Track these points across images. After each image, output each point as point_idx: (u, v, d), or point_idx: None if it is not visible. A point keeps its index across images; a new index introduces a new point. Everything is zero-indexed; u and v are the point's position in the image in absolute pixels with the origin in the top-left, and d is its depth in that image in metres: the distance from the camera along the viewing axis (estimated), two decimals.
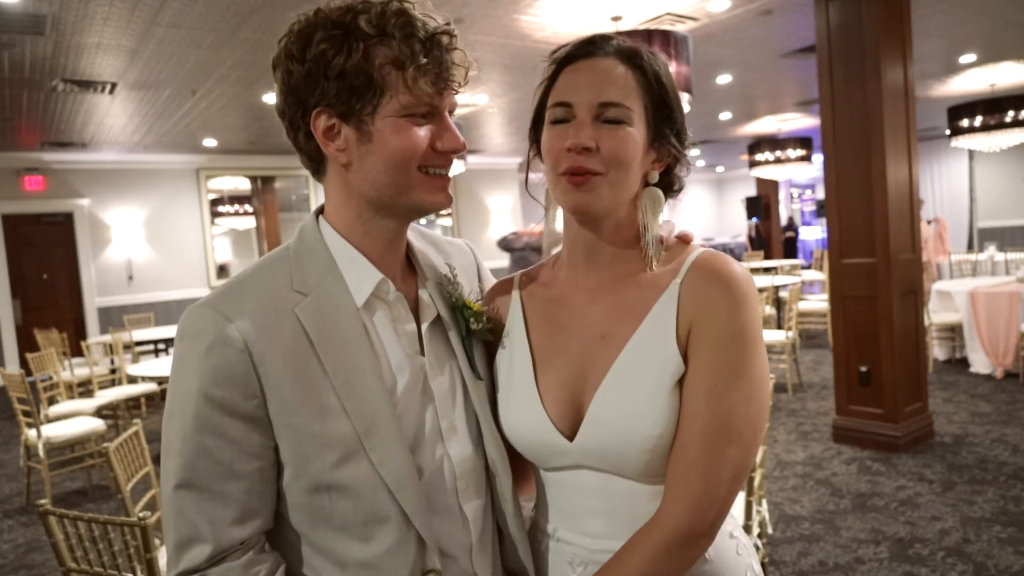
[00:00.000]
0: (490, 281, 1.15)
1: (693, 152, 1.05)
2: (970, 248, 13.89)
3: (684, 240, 1.00)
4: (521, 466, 1.06)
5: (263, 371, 0.84)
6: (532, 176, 1.03)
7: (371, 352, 0.89)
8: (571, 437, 0.92)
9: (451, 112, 0.92)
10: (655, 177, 0.97)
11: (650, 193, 0.96)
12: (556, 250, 1.08)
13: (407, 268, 1.01)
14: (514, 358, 1.00)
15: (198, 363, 0.84)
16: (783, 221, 16.80)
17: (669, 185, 1.00)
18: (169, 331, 7.67)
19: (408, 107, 0.86)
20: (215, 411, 0.83)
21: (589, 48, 0.93)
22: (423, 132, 0.88)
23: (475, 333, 1.00)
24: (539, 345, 0.99)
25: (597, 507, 0.94)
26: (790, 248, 16.26)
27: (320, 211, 0.97)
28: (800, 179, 18.65)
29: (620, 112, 0.90)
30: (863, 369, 4.47)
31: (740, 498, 2.25)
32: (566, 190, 0.91)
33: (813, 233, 18.19)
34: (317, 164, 0.93)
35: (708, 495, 0.85)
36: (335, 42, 0.85)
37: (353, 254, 0.92)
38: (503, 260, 13.29)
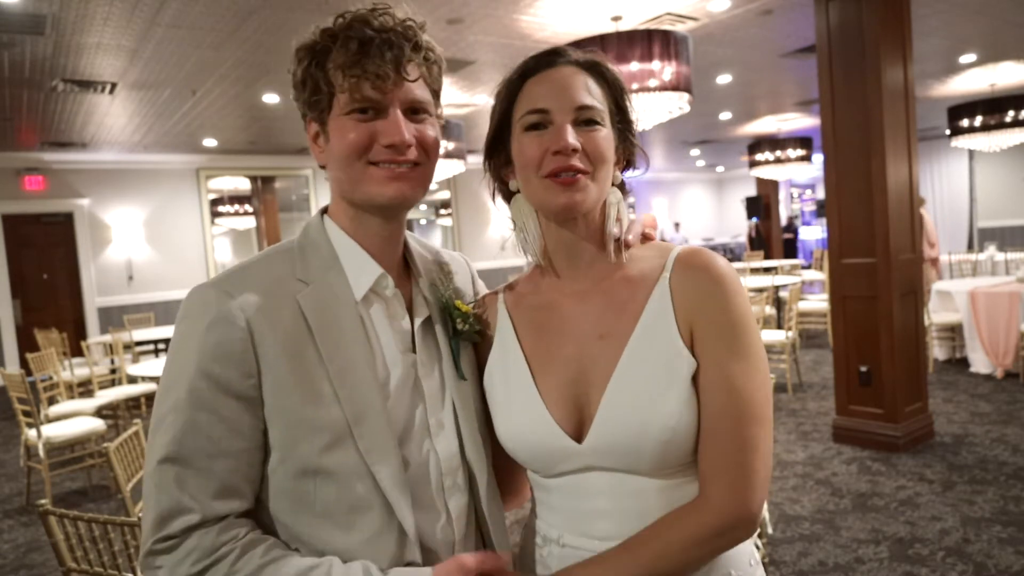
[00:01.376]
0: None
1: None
2: (970, 248, 13.89)
3: (649, 238, 1.05)
4: (508, 476, 1.07)
5: (261, 351, 0.86)
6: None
7: (366, 344, 0.92)
8: (577, 439, 0.93)
9: (411, 108, 0.92)
10: (619, 177, 1.01)
11: (613, 192, 1.00)
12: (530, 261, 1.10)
13: (404, 269, 1.03)
14: (508, 368, 1.00)
15: (199, 339, 0.85)
16: (783, 221, 16.80)
17: (623, 185, 1.04)
18: (169, 331, 7.67)
19: (347, 104, 0.89)
20: (211, 387, 0.84)
21: (551, 59, 0.97)
22: (366, 128, 0.90)
23: (462, 334, 1.02)
24: (532, 352, 1.00)
25: (605, 508, 0.94)
26: (790, 250, 16.26)
27: (325, 210, 1.01)
28: (800, 179, 18.66)
29: (595, 114, 0.95)
30: (863, 369, 4.47)
31: None
32: (555, 191, 0.93)
33: (813, 233, 18.19)
34: (324, 168, 0.99)
35: (749, 477, 0.88)
36: (302, 56, 0.92)
37: (355, 249, 0.96)
38: (504, 261, 13.30)
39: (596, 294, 0.99)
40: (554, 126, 0.94)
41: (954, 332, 6.69)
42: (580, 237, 0.98)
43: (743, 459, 0.88)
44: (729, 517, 0.88)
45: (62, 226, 9.78)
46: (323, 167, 0.98)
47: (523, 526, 1.08)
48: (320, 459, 0.86)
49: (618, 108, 0.99)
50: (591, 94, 0.95)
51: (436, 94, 0.98)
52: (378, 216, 0.96)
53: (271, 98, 7.23)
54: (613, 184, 1.00)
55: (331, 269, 0.94)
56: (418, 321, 0.99)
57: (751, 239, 15.73)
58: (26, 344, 9.02)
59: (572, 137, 0.92)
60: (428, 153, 0.95)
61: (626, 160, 1.02)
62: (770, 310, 7.43)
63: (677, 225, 18.48)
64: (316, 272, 0.93)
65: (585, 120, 0.94)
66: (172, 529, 0.83)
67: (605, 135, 0.95)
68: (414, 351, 0.97)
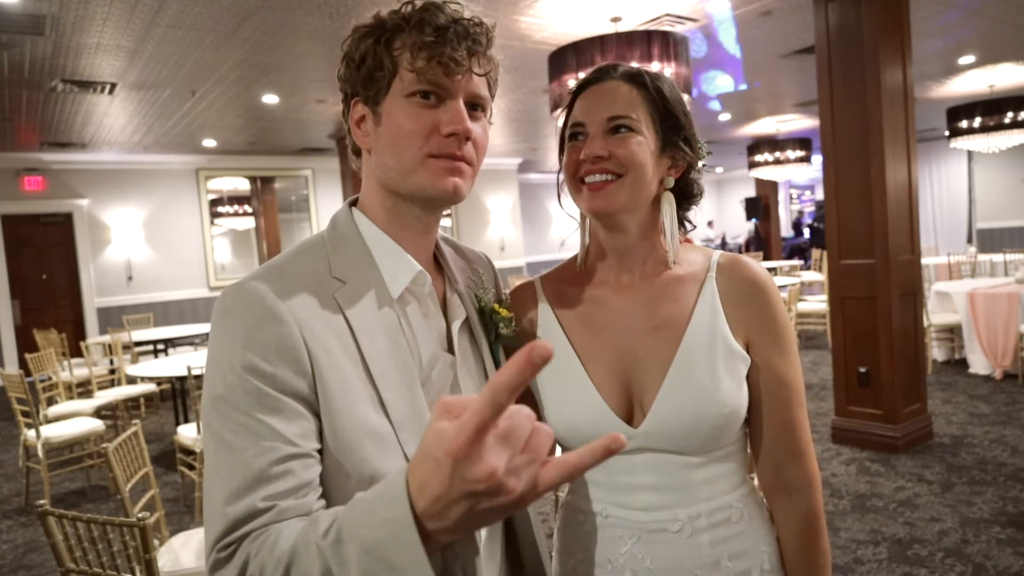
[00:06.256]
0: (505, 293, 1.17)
1: (706, 153, 1.12)
2: (969, 240, 13.89)
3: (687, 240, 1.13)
4: None
5: (313, 349, 0.80)
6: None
7: (405, 344, 0.88)
8: (628, 424, 1.00)
9: (475, 102, 0.90)
10: (671, 182, 1.06)
11: (667, 197, 1.05)
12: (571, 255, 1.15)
13: (435, 267, 1.01)
14: (557, 360, 1.03)
15: (245, 338, 0.79)
16: (784, 222, 16.76)
17: (688, 190, 1.10)
18: (168, 332, 7.67)
19: (411, 85, 0.85)
20: (269, 387, 0.78)
21: (598, 75, 1.05)
22: (428, 115, 0.86)
23: (501, 338, 1.02)
24: (581, 344, 1.05)
25: (649, 482, 1.01)
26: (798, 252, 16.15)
27: (353, 202, 0.97)
28: (799, 180, 18.67)
29: (626, 122, 1.01)
30: (862, 370, 4.47)
31: None
32: (587, 196, 1.01)
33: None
34: (358, 155, 0.96)
35: (809, 450, 1.04)
36: (364, 33, 0.89)
37: (390, 244, 0.92)
38: (504, 261, 13.31)
39: (647, 290, 1.05)
40: (589, 137, 1.02)
41: (953, 333, 6.69)
42: (628, 238, 1.05)
43: (799, 439, 1.03)
44: (815, 486, 1.04)
45: (61, 226, 9.77)
46: (356, 153, 0.95)
47: (561, 505, 1.14)
48: (374, 464, 0.81)
49: (663, 115, 1.03)
50: (626, 104, 1.01)
51: (492, 97, 0.95)
52: (421, 208, 0.92)
53: (271, 99, 7.23)
54: (666, 188, 1.05)
55: (365, 265, 0.90)
56: (457, 323, 0.97)
57: (747, 244, 15.71)
58: (25, 344, 9.01)
59: (599, 147, 0.99)
60: (478, 153, 0.92)
61: (686, 164, 1.06)
62: None
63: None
64: (351, 269, 0.89)
65: (614, 128, 1.00)
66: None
67: (637, 141, 1.00)
68: (451, 352, 0.95)
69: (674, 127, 1.03)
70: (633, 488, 1.01)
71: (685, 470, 1.00)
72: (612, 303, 1.06)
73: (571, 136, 1.04)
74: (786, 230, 18.06)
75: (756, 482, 1.11)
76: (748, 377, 1.01)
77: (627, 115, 1.00)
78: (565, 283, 1.11)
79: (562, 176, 1.07)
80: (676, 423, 0.97)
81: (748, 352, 1.01)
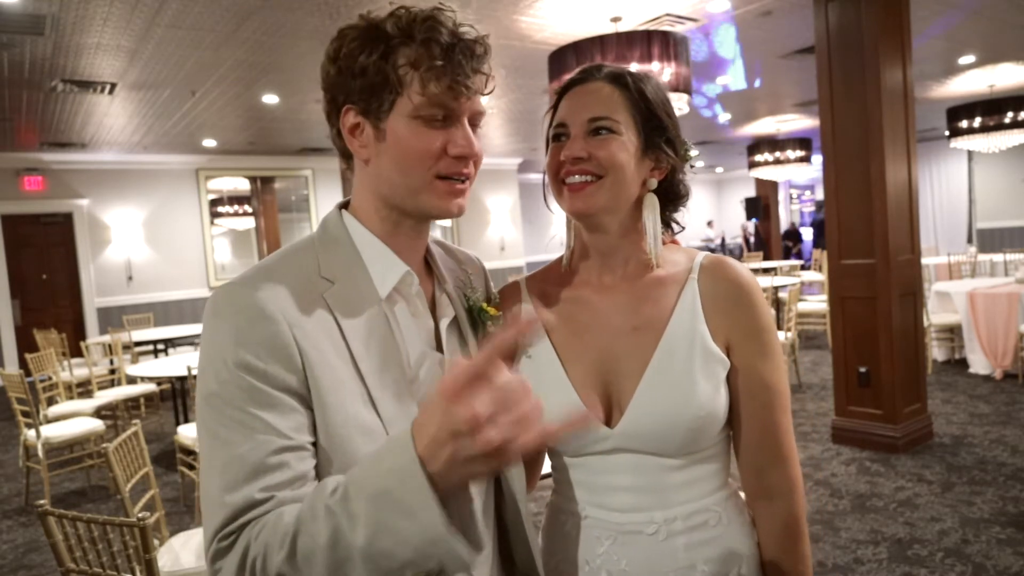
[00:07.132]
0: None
1: (692, 152, 1.11)
2: (969, 240, 13.90)
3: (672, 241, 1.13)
4: (529, 465, 1.11)
5: (303, 347, 0.82)
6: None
7: (394, 343, 0.90)
8: (607, 424, 1.00)
9: (475, 120, 0.92)
10: (653, 184, 1.05)
11: (649, 198, 1.05)
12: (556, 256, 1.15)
13: (425, 268, 1.02)
14: (537, 358, 1.05)
15: (237, 336, 0.81)
16: (784, 226, 16.74)
17: (674, 191, 1.09)
18: (168, 331, 7.67)
19: (420, 108, 0.86)
20: (262, 383, 0.80)
21: (583, 75, 1.06)
22: (436, 135, 0.88)
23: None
24: (562, 343, 1.05)
25: (627, 484, 1.01)
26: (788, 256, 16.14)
27: (343, 205, 0.99)
28: (799, 180, 18.67)
29: (607, 123, 1.01)
30: (862, 370, 4.47)
31: None
32: (567, 197, 1.02)
33: (808, 234, 18.19)
34: (348, 159, 0.97)
35: (792, 456, 1.04)
36: (362, 42, 0.88)
37: (379, 246, 0.94)
38: (504, 261, 13.31)
39: (629, 291, 1.05)
40: (570, 138, 1.02)
41: (953, 333, 6.69)
42: (610, 239, 1.05)
43: (782, 443, 1.03)
44: (797, 491, 1.04)
45: (61, 226, 9.77)
46: (346, 156, 0.95)
47: (546, 505, 1.14)
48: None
49: (646, 117, 1.02)
50: (607, 105, 1.01)
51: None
52: (416, 220, 0.95)
53: (271, 99, 7.23)
54: (649, 189, 1.05)
55: (354, 266, 0.92)
56: (444, 322, 0.99)
57: (746, 240, 15.71)
58: (25, 344, 9.01)
59: (578, 148, 1.00)
60: (477, 167, 0.94)
61: (670, 167, 1.06)
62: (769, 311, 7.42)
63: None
64: (340, 270, 0.91)
65: (595, 130, 1.00)
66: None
67: (616, 141, 1.00)
68: (439, 351, 0.97)
69: (657, 128, 1.03)
70: (612, 489, 1.01)
71: (663, 472, 0.99)
72: (594, 303, 1.06)
73: (554, 136, 1.05)
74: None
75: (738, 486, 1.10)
76: (729, 380, 1.01)
77: (608, 116, 1.00)
78: (549, 283, 1.11)
79: (547, 176, 1.07)
80: (652, 424, 0.97)
81: (729, 355, 1.01)
